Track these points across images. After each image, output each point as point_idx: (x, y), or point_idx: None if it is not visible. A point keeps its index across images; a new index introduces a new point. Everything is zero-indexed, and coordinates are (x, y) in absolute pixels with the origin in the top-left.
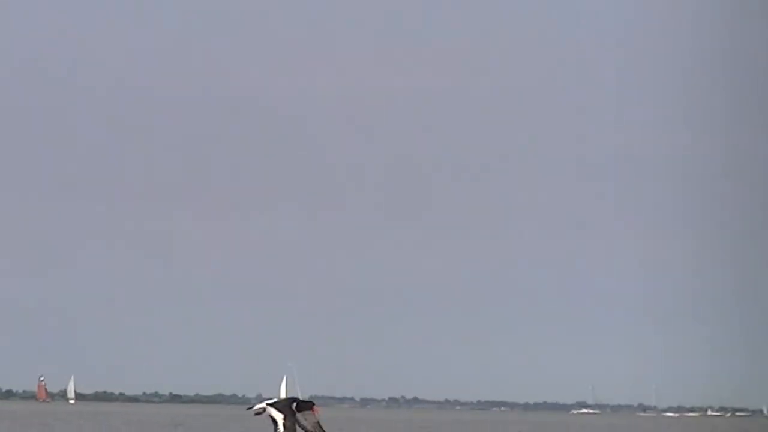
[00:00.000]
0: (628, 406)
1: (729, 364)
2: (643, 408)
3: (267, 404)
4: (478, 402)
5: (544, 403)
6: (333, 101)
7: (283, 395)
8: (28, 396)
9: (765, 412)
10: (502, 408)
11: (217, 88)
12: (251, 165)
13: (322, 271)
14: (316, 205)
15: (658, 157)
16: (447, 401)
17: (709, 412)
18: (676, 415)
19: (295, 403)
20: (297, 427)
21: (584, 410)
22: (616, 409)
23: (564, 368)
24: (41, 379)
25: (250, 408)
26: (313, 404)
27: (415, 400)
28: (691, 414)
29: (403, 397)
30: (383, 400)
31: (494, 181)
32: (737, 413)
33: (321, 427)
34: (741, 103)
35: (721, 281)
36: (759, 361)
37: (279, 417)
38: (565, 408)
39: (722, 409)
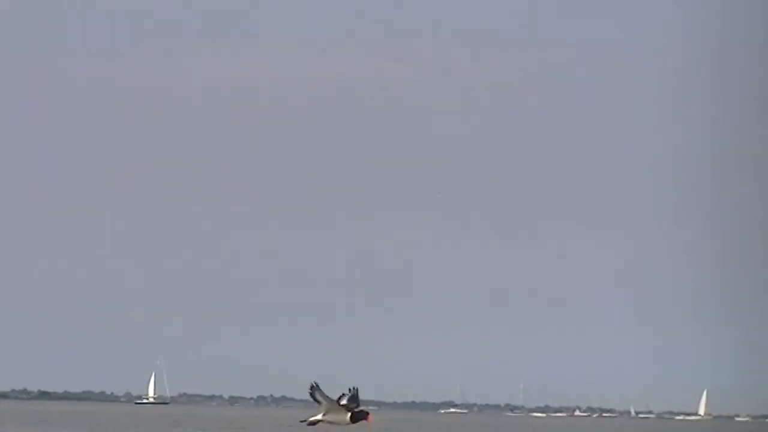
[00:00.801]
0: (496, 406)
1: (597, 365)
2: (511, 408)
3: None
4: None
5: (413, 402)
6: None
7: (151, 393)
8: None
9: (632, 413)
10: (371, 407)
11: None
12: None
13: (188, 266)
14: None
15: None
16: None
17: (577, 413)
18: (543, 415)
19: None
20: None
21: (452, 410)
22: (484, 408)
23: (432, 368)
24: None
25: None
26: (368, 413)
27: (284, 398)
28: (558, 414)
29: (271, 395)
30: (251, 398)
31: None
32: (605, 414)
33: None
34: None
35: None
36: (627, 363)
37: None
38: (433, 407)
39: (590, 409)
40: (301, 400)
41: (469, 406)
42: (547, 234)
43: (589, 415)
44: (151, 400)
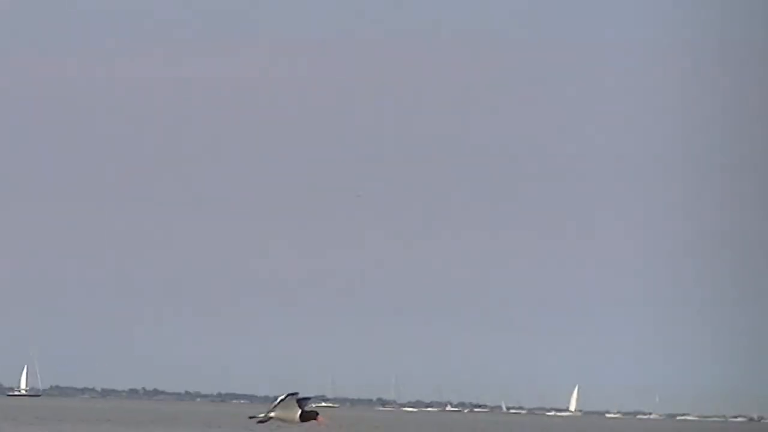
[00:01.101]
0: (368, 400)
1: (469, 361)
2: (383, 402)
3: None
4: (219, 394)
5: None
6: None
7: (23, 385)
8: None
9: (504, 408)
10: (242, 401)
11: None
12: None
13: (60, 259)
14: None
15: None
16: (187, 393)
17: (449, 408)
18: (415, 409)
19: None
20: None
21: (324, 404)
22: (356, 402)
23: (303, 362)
24: None
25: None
26: (318, 414)
27: (155, 391)
28: (430, 409)
29: (143, 388)
30: (124, 390)
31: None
32: (476, 409)
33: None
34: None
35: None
36: (497, 359)
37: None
38: (305, 402)
39: (462, 404)
40: (173, 393)
41: (340, 401)
42: (427, 227)
43: (460, 410)
44: (23, 392)
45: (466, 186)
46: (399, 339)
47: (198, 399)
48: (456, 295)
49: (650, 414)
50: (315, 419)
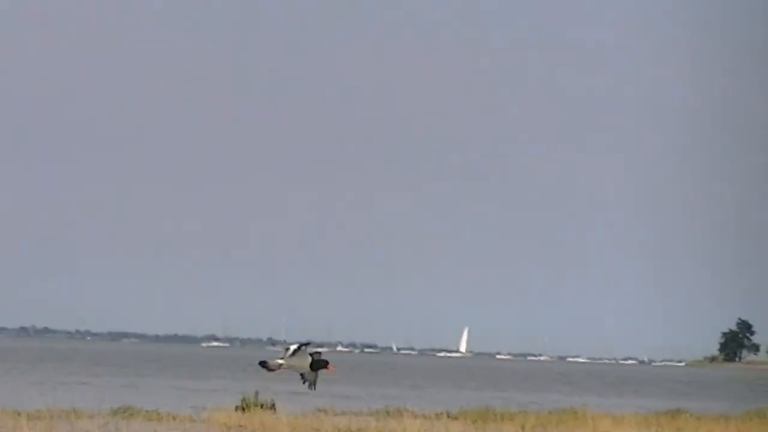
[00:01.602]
0: (258, 340)
1: (360, 301)
2: (273, 342)
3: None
4: (109, 333)
5: (175, 335)
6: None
7: None
8: None
9: (395, 349)
10: (133, 339)
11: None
12: None
13: None
14: None
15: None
16: (78, 332)
17: (339, 348)
18: None
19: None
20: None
21: (214, 343)
22: (246, 342)
23: (194, 302)
24: None
25: (264, 363)
26: (328, 363)
27: (46, 330)
28: (320, 349)
29: (33, 326)
30: (14, 329)
31: None
32: (366, 349)
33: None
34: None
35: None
36: (390, 300)
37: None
38: (196, 341)
39: (352, 345)
40: (63, 331)
41: (231, 340)
42: (320, 172)
43: (351, 351)
44: None
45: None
46: (289, 280)
47: (88, 338)
48: (347, 238)
49: (540, 356)
50: (326, 368)
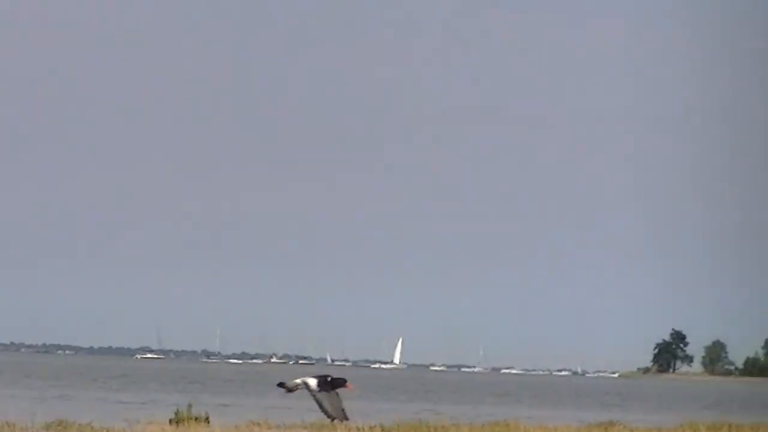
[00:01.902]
0: (193, 352)
1: (295, 312)
2: (207, 354)
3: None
4: (44, 345)
5: (110, 347)
6: None
7: None
8: None
9: (329, 360)
10: (67, 351)
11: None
12: None
13: None
14: None
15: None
16: (12, 344)
17: (274, 360)
18: (240, 362)
19: (329, 378)
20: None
21: (148, 355)
22: (180, 354)
23: (128, 312)
24: None
25: (282, 384)
26: (345, 381)
27: None
28: (255, 361)
29: None
30: None
31: None
32: (301, 361)
33: (344, 413)
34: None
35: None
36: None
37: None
38: (130, 353)
39: (286, 356)
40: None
41: (165, 352)
42: (254, 176)
43: (285, 362)
44: None
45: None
46: (224, 290)
47: (23, 350)
48: (281, 246)
49: (474, 367)
50: (345, 386)
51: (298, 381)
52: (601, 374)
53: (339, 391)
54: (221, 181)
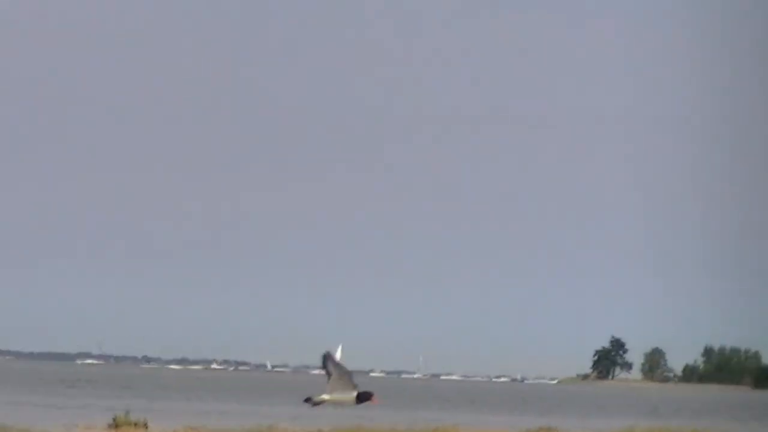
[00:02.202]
0: (133, 357)
1: (235, 320)
2: (148, 359)
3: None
4: None
5: (50, 352)
6: None
7: None
8: None
9: (269, 366)
10: (8, 356)
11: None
12: None
13: None
14: None
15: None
16: None
17: (214, 366)
18: (180, 367)
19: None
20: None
21: (89, 360)
22: (121, 359)
23: (70, 319)
24: None
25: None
26: (372, 395)
27: None
28: (194, 367)
29: None
30: None
31: None
32: (241, 367)
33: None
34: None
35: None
36: (264, 318)
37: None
38: (70, 358)
39: (226, 362)
40: None
41: (105, 357)
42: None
43: (225, 368)
44: None
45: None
46: (164, 294)
47: None
48: (220, 254)
49: (414, 373)
50: (370, 400)
51: (326, 396)
52: (541, 381)
53: (366, 404)
54: (160, 189)
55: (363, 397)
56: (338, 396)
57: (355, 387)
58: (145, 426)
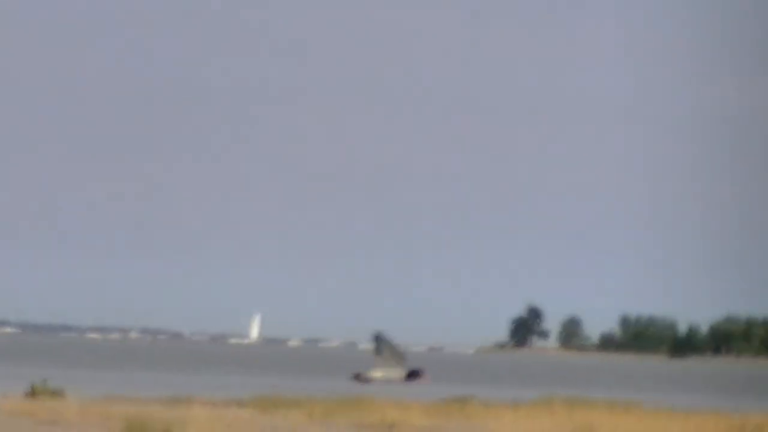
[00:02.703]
0: (50, 326)
1: (147, 286)
2: (66, 328)
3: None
4: None
5: None
6: None
7: None
8: None
9: (187, 334)
10: None
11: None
12: None
13: None
14: None
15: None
16: None
17: (132, 334)
18: (98, 336)
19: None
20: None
21: (7, 329)
22: (40, 328)
23: None
24: None
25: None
26: (420, 373)
27: None
28: (113, 335)
29: None
30: None
31: None
32: (159, 336)
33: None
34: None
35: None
36: (176, 284)
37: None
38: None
39: (145, 330)
40: None
41: (23, 326)
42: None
43: (143, 337)
44: None
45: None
46: (83, 264)
47: None
48: (142, 222)
49: (331, 341)
50: (420, 377)
51: (377, 373)
52: (458, 349)
53: (416, 381)
54: (68, 164)
55: (413, 375)
56: (389, 373)
57: (404, 365)
58: (63, 394)
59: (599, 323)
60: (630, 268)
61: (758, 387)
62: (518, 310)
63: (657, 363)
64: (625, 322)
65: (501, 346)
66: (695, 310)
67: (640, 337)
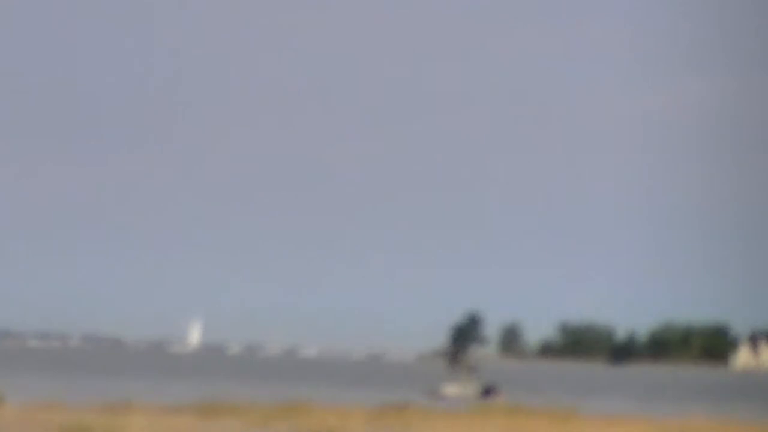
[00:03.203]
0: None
1: (83, 290)
2: (6, 334)
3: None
4: None
5: None
6: None
7: None
8: None
9: (126, 341)
10: None
11: None
12: None
13: None
14: None
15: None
16: None
17: (73, 340)
18: (39, 341)
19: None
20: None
21: None
22: None
23: None
24: None
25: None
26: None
27: None
28: (54, 343)
29: None
30: None
31: None
32: (100, 342)
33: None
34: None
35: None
36: (114, 288)
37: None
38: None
39: (86, 337)
40: None
41: None
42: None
43: (84, 343)
44: None
45: None
46: (23, 271)
47: None
48: (74, 218)
49: (269, 347)
50: (495, 393)
51: (453, 389)
52: (397, 356)
53: (491, 398)
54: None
55: (489, 392)
56: (464, 389)
57: (479, 382)
58: (2, 401)
59: (539, 330)
60: (569, 275)
61: (696, 393)
62: (458, 316)
63: (596, 369)
64: (564, 328)
65: (440, 353)
66: (634, 317)
67: (580, 343)
